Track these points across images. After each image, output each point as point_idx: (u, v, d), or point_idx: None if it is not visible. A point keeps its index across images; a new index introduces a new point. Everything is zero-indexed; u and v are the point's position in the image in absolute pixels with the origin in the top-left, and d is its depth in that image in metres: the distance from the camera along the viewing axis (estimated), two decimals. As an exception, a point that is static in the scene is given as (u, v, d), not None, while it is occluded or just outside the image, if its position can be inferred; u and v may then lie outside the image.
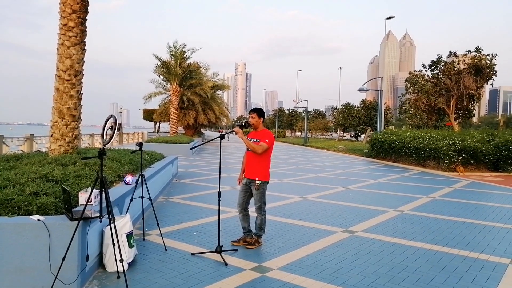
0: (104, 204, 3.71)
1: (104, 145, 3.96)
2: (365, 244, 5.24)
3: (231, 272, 4.13)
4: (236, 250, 4.86)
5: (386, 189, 10.40)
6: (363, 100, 51.50)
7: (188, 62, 31.82)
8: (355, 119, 48.50)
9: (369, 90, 28.48)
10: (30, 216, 3.59)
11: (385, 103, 45.59)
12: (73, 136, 6.75)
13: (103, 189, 3.66)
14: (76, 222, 3.48)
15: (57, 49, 6.76)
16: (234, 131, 4.91)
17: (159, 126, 55.65)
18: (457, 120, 27.30)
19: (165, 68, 30.53)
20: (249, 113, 5.21)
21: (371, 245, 5.18)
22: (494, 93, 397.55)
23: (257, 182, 4.91)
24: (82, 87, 6.99)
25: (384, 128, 29.51)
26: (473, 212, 7.57)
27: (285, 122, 73.19)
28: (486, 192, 10.35)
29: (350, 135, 67.85)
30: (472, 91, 25.31)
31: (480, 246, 5.27)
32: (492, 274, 4.22)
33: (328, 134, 73.17)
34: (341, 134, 57.32)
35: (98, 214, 3.69)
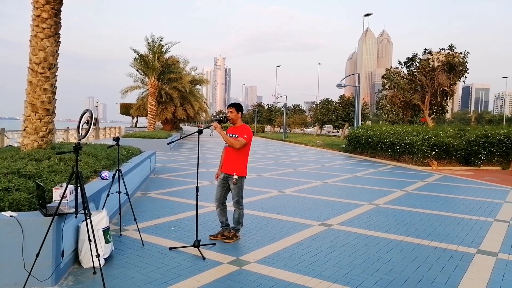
0: (79, 200, 3.67)
1: (80, 140, 3.91)
2: (341, 236, 5.37)
3: (209, 266, 4.16)
4: (214, 244, 4.89)
5: (362, 183, 10.63)
6: (341, 95, 52.17)
7: (166, 56, 31.45)
8: (333, 115, 49.07)
9: (347, 86, 28.92)
10: (2, 213, 3.51)
11: (363, 99, 46.32)
12: (47, 130, 6.60)
13: (78, 184, 3.62)
14: (51, 218, 3.43)
15: (30, 41, 6.58)
16: (212, 125, 4.92)
17: (136, 121, 54.82)
18: (431, 116, 28.04)
19: (143, 62, 30.05)
20: (227, 108, 5.23)
21: (347, 238, 5.32)
22: (466, 90, 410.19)
23: (235, 177, 4.95)
24: (56, 80, 6.84)
25: (362, 123, 30.05)
26: (444, 204, 7.85)
27: (264, 117, 73.33)
28: (456, 185, 10.74)
29: (328, 131, 68.67)
30: (446, 88, 26.02)
31: (450, 237, 5.49)
32: (460, 263, 4.42)
33: (304, 128, 73.78)
34: (319, 129, 57.95)
35: (73, 210, 3.64)
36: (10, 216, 3.44)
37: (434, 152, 15.69)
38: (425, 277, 3.99)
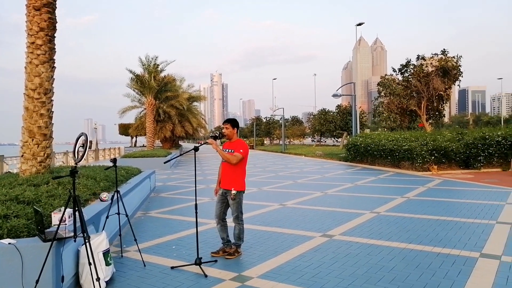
0: (78, 223, 3.66)
1: (76, 163, 3.93)
2: (343, 247, 5.35)
3: (211, 283, 4.13)
4: (216, 261, 4.86)
5: (363, 191, 10.61)
6: (339, 105, 52.41)
7: (162, 74, 31.68)
8: (331, 124, 49.23)
9: (343, 95, 29.07)
10: (0, 240, 3.51)
11: (360, 107, 46.57)
12: (45, 155, 6.62)
13: (76, 208, 3.62)
14: (50, 243, 3.42)
15: (25, 67, 6.65)
16: (208, 142, 4.95)
17: (135, 141, 54.90)
18: (429, 121, 28.12)
19: (139, 82, 30.26)
20: (223, 124, 5.26)
21: (349, 248, 5.29)
22: (463, 93, 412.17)
23: (233, 192, 4.95)
24: (52, 105, 6.88)
25: (360, 131, 30.11)
26: (445, 209, 7.82)
27: (263, 130, 73.50)
28: (457, 189, 10.71)
29: (324, 141, 68.70)
30: (441, 92, 26.16)
31: (452, 242, 5.46)
32: (463, 268, 4.39)
33: (303, 139, 73.84)
34: (318, 140, 58.01)
35: (72, 234, 3.64)
36: (9, 243, 3.43)
37: (433, 157, 15.70)
38: (429, 284, 3.96)
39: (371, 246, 5.36)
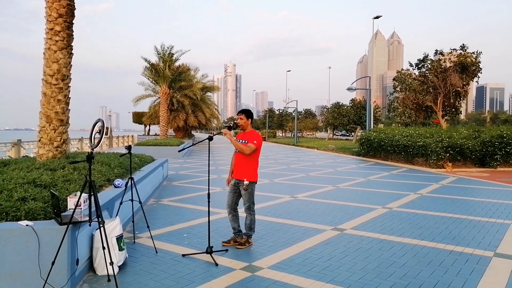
0: (93, 208, 3.72)
1: (93, 149, 3.97)
2: (354, 241, 5.33)
3: (222, 272, 4.17)
4: (227, 250, 4.90)
5: (375, 187, 10.53)
6: (353, 99, 51.88)
7: (177, 64, 31.75)
8: (344, 118, 48.82)
9: (358, 89, 28.75)
10: (18, 222, 3.59)
11: (374, 101, 46.05)
12: (61, 140, 6.73)
13: (91, 193, 3.68)
14: (65, 226, 3.49)
15: (44, 53, 6.74)
16: (222, 132, 4.96)
17: (149, 129, 55.39)
18: (445, 118, 27.66)
19: (153, 71, 30.41)
20: (237, 114, 5.26)
21: (360, 242, 5.27)
22: (481, 90, 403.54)
23: (245, 182, 4.96)
24: (69, 91, 6.97)
25: (374, 126, 29.81)
26: (460, 207, 7.72)
27: (276, 123, 73.35)
28: (472, 187, 10.55)
29: (336, 134, 68.29)
30: (459, 89, 25.65)
31: (465, 240, 5.39)
32: (476, 267, 4.33)
33: (316, 133, 73.50)
34: (331, 133, 57.66)
35: (87, 218, 3.70)
36: (26, 225, 3.51)
37: (448, 154, 15.46)
38: (441, 281, 3.92)
39: (383, 241, 5.33)
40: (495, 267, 4.35)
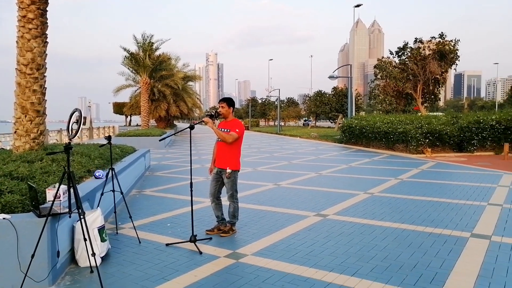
0: (73, 200, 3.65)
1: (70, 140, 3.88)
2: (336, 226, 5.41)
3: (206, 260, 4.18)
4: (211, 238, 4.91)
5: (357, 173, 10.68)
6: (335, 87, 52.26)
7: (157, 53, 31.19)
8: (326, 106, 49.19)
9: (339, 77, 28.93)
10: (-5, 215, 3.49)
11: (356, 89, 46.44)
12: (38, 132, 6.56)
13: (71, 184, 3.61)
14: (44, 218, 3.42)
15: (17, 42, 6.52)
16: (203, 121, 4.92)
17: (130, 120, 54.61)
18: (424, 104, 28.18)
19: (133, 60, 29.82)
20: (218, 103, 5.22)
21: (342, 227, 5.35)
22: (459, 78, 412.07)
23: (228, 171, 4.95)
24: (45, 81, 6.78)
25: (356, 114, 30.12)
26: (438, 191, 7.92)
27: (258, 112, 73.31)
28: (450, 172, 10.82)
29: (313, 122, 68.79)
30: (437, 76, 26.14)
31: (444, 222, 5.55)
32: (454, 248, 4.47)
33: (298, 121, 73.77)
34: (313, 122, 58.02)
35: (67, 210, 3.63)
36: (3, 218, 3.42)
37: (427, 140, 15.79)
38: (420, 262, 4.04)
39: (364, 225, 5.43)
40: (472, 247, 4.49)
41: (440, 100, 32.03)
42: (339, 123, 35.71)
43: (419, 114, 24.66)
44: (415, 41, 28.17)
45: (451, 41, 25.74)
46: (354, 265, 4.00)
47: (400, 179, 9.46)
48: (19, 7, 6.44)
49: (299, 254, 4.31)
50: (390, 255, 4.26)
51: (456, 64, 26.18)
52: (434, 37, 26.59)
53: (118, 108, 53.48)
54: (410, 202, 6.86)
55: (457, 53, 25.69)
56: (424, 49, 26.45)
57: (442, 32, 26.17)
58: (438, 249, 4.44)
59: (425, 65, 25.48)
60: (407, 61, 27.37)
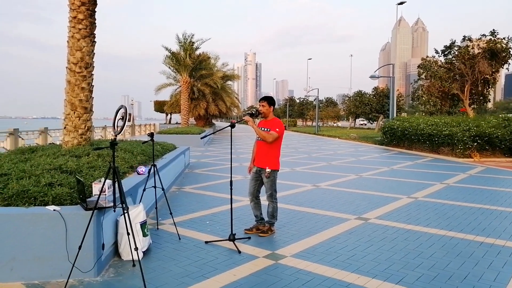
0: (117, 194, 3.74)
1: (116, 136, 3.98)
2: (379, 231, 5.21)
3: (245, 259, 4.15)
4: (249, 238, 4.88)
5: (400, 176, 10.30)
6: (375, 87, 50.84)
7: (197, 52, 31.78)
8: (367, 107, 47.96)
9: (381, 77, 28.11)
10: (46, 207, 3.65)
11: (397, 90, 44.92)
12: (86, 128, 6.81)
13: (116, 179, 3.70)
14: (91, 212, 3.53)
15: (67, 42, 6.80)
16: (244, 119, 4.90)
17: (170, 118, 55.99)
18: (472, 106, 26.75)
19: (174, 59, 30.55)
20: (259, 102, 5.18)
21: (385, 232, 5.15)
22: (510, 78, 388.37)
23: (267, 170, 4.90)
24: (93, 79, 7.03)
25: (397, 115, 29.13)
26: (489, 198, 7.45)
27: (296, 111, 72.80)
28: (502, 178, 10.18)
29: (361, 124, 67.31)
30: (487, 76, 24.70)
31: (496, 231, 5.19)
32: (509, 259, 4.16)
33: (337, 121, 72.57)
34: (352, 122, 56.82)
35: (111, 204, 3.73)
36: (54, 210, 3.57)
37: (476, 143, 14.96)
38: (471, 273, 3.79)
39: (409, 231, 5.19)
40: (529, 260, 4.16)
41: (489, 102, 30.29)
42: (380, 124, 34.73)
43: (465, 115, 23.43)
44: (463, 39, 26.75)
45: (504, 39, 24.24)
46: (399, 272, 3.82)
47: (446, 184, 9.01)
48: (70, 8, 6.72)
49: (340, 258, 4.18)
50: (438, 264, 4.03)
51: (509, 64, 24.62)
52: (485, 35, 25.14)
53: (159, 106, 54.98)
54: (458, 209, 6.49)
55: (510, 51, 24.15)
56: (473, 48, 25.07)
57: (493, 30, 24.69)
58: (491, 260, 4.15)
59: (474, 65, 24.14)
60: (454, 60, 26.08)
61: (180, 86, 32.34)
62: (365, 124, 66.66)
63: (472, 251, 4.44)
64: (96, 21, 7.01)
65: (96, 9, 6.99)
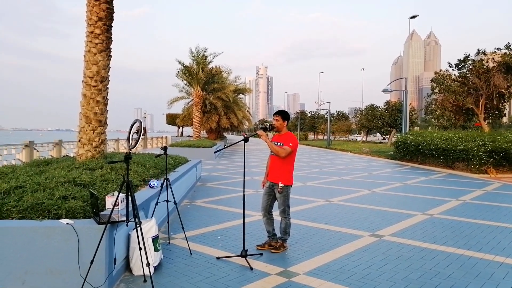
0: (130, 208, 3.74)
1: (130, 149, 4.00)
2: (394, 248, 5.09)
3: (257, 276, 4.08)
4: (261, 254, 4.81)
5: (414, 192, 10.11)
6: (387, 101, 50.59)
7: (210, 66, 32.12)
8: (379, 121, 47.66)
9: (393, 90, 27.97)
10: (60, 220, 3.66)
11: (410, 104, 44.58)
12: (100, 141, 6.88)
13: (129, 193, 3.70)
14: (104, 225, 3.52)
15: (84, 56, 6.93)
16: (257, 133, 4.88)
17: (182, 131, 56.42)
18: (487, 120, 26.35)
19: (187, 73, 30.91)
20: (273, 116, 5.16)
21: (400, 250, 5.03)
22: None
23: (280, 185, 4.85)
24: (108, 92, 7.13)
25: (410, 129, 28.83)
26: (507, 216, 7.25)
27: (307, 125, 72.73)
28: (520, 194, 9.91)
29: (374, 137, 66.75)
30: (503, 90, 24.36)
31: (517, 251, 5.02)
32: (531, 282, 4.01)
33: (349, 135, 72.14)
34: (364, 136, 56.41)
35: (124, 218, 3.72)
36: (67, 223, 3.57)
37: (492, 159, 14.67)
38: (492, 296, 3.65)
39: (425, 249, 5.06)
40: (553, 282, 4.00)
41: (505, 116, 29.80)
42: (392, 139, 34.39)
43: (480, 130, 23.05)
44: (477, 53, 26.53)
45: (519, 52, 23.94)
46: (416, 293, 3.70)
47: (462, 200, 8.81)
48: (88, 23, 6.87)
49: (354, 277, 4.08)
50: (457, 285, 3.90)
51: (525, 77, 24.25)
52: (500, 48, 24.90)
53: (171, 119, 55.53)
54: (476, 227, 6.32)
55: (525, 65, 23.81)
56: (487, 61, 24.82)
57: (509, 43, 24.44)
58: (513, 281, 4.00)
59: (489, 78, 23.86)
60: (468, 74, 25.83)
61: (193, 100, 32.63)
62: (378, 139, 66.14)
63: (492, 271, 4.29)
64: (112, 36, 7.14)
65: (112, 24, 7.13)
